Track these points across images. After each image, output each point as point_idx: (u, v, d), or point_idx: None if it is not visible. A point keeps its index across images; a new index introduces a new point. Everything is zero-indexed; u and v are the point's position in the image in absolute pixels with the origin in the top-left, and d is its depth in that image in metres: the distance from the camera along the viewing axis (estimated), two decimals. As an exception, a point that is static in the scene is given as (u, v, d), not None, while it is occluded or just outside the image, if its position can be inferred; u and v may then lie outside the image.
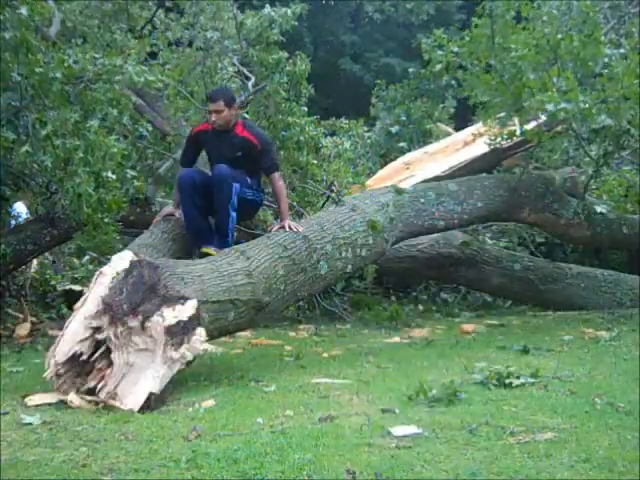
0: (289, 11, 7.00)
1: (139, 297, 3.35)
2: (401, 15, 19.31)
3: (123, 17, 7.92)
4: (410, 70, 12.47)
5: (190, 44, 7.91)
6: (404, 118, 11.38)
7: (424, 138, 11.15)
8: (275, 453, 2.40)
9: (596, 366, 3.86)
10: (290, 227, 4.45)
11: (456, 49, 5.79)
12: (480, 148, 7.99)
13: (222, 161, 4.50)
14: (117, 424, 2.85)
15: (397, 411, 2.98)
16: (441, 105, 11.72)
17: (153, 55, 7.66)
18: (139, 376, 3.18)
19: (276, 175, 4.60)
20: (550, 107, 5.21)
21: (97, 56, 5.19)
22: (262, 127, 6.95)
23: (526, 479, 2.17)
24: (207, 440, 2.60)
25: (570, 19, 5.84)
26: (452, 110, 11.74)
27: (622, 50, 5.88)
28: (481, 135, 6.59)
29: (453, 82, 6.68)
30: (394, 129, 11.33)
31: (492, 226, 8.05)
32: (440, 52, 5.94)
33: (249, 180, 4.60)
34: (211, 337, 3.69)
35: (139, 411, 3.07)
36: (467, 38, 5.73)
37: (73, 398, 3.16)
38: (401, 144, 11.00)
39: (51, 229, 5.77)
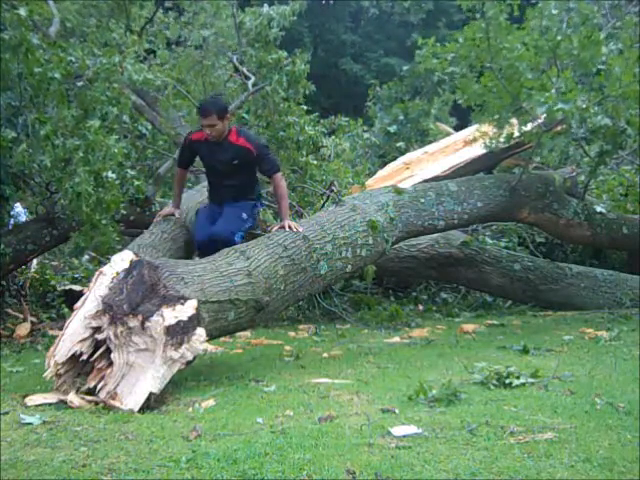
0: (288, 8, 7.01)
1: (139, 297, 3.35)
2: (400, 14, 19.33)
3: (122, 16, 7.93)
4: (405, 68, 12.56)
5: (190, 42, 7.93)
6: (402, 117, 11.40)
7: (421, 137, 11.17)
8: (275, 453, 2.40)
9: (596, 366, 3.86)
10: (290, 227, 4.45)
11: (451, 55, 5.80)
12: (480, 148, 7.98)
13: (219, 170, 4.53)
14: (117, 424, 2.85)
15: (397, 411, 2.98)
16: (440, 99, 11.75)
17: (152, 52, 7.67)
18: (139, 376, 3.18)
19: (277, 176, 4.57)
20: (542, 109, 5.21)
21: (99, 53, 5.20)
22: (260, 127, 6.97)
23: (526, 479, 2.17)
24: (207, 440, 2.60)
25: (569, 20, 5.84)
26: (450, 105, 11.77)
27: (620, 45, 5.88)
28: (480, 137, 6.56)
29: (445, 77, 6.69)
30: (392, 128, 11.35)
31: (492, 226, 8.05)
32: (435, 60, 5.96)
33: (252, 205, 4.65)
34: (211, 337, 3.69)
35: (139, 411, 3.07)
36: (461, 40, 5.73)
37: (73, 398, 3.16)
38: (399, 144, 11.02)
39: (51, 229, 5.78)
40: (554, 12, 5.69)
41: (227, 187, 4.56)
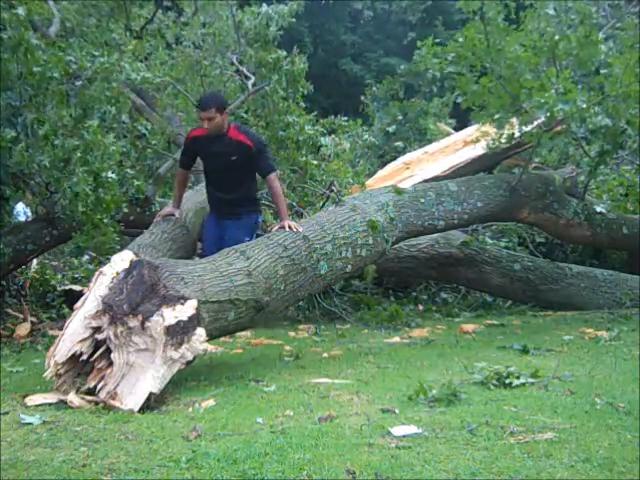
0: (286, 8, 7.01)
1: (139, 297, 3.35)
2: (398, 14, 19.36)
3: (122, 16, 7.92)
4: (402, 67, 12.58)
5: (188, 41, 7.92)
6: (400, 117, 11.40)
7: (420, 136, 11.18)
8: (275, 453, 2.39)
9: (596, 366, 3.86)
10: (290, 227, 4.44)
11: (451, 55, 5.81)
12: (480, 148, 7.98)
13: (217, 166, 4.53)
14: (117, 424, 2.85)
15: (397, 411, 2.98)
16: (441, 101, 11.76)
17: (151, 53, 7.67)
18: (139, 376, 3.18)
19: (272, 176, 4.54)
20: (542, 110, 5.22)
21: (96, 54, 5.20)
22: (260, 127, 6.98)
23: (526, 479, 2.17)
24: (207, 440, 2.60)
25: (567, 19, 5.84)
26: (450, 106, 11.77)
27: (619, 45, 5.88)
28: (482, 137, 6.56)
29: (440, 74, 6.69)
30: (391, 128, 11.36)
31: (492, 226, 8.05)
32: (435, 60, 5.97)
33: (252, 224, 4.70)
34: (211, 337, 3.69)
35: (139, 411, 3.07)
36: (460, 39, 5.73)
37: (73, 398, 3.16)
38: (397, 143, 11.02)
39: (51, 229, 5.77)
40: (550, 12, 5.69)
41: (227, 200, 4.59)
